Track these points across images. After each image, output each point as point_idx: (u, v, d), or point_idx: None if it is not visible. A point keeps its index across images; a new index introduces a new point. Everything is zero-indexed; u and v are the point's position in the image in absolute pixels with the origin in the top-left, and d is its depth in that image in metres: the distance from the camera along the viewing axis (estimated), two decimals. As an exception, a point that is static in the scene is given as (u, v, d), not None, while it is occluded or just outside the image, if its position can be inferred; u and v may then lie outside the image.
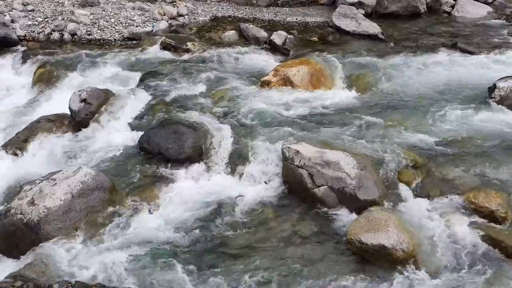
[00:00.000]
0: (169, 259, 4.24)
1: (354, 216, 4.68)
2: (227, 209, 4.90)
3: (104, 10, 10.06)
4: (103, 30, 9.30)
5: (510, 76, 6.80)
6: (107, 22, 9.59)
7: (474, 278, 4.08)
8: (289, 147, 5.21)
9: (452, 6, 11.25)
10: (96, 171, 4.98)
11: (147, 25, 9.63)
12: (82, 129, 6.15)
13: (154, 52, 8.48)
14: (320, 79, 7.28)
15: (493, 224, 4.60)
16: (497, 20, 10.74)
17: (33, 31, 9.10)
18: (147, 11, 10.22)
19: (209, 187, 5.22)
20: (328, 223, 4.71)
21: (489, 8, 11.28)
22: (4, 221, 4.53)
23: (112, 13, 9.94)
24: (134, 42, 9.07)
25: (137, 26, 9.54)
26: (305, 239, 4.57)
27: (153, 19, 9.88)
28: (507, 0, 11.74)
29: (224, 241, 4.52)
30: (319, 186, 4.89)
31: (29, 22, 9.31)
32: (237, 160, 5.46)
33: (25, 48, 8.71)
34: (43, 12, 9.69)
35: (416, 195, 4.97)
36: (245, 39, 9.27)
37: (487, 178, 5.06)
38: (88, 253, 4.25)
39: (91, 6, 10.17)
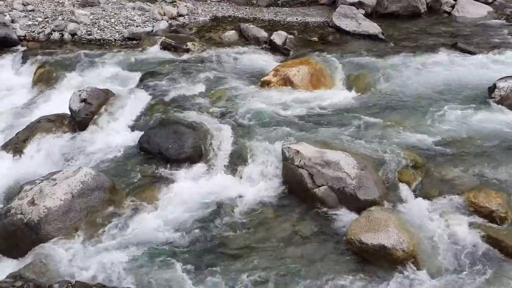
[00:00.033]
0: (169, 259, 4.24)
1: (354, 216, 4.68)
2: (227, 209, 4.90)
3: (104, 10, 10.06)
4: (103, 30, 9.30)
5: (510, 76, 6.80)
6: (107, 22, 9.59)
7: (474, 278, 4.09)
8: (289, 147, 5.21)
9: (452, 6, 11.25)
10: (96, 171, 4.99)
11: (147, 25, 9.63)
12: (82, 129, 6.16)
13: (154, 52, 8.48)
14: (320, 79, 7.28)
15: (493, 224, 4.60)
16: (497, 20, 10.74)
17: (33, 31, 9.10)
18: (147, 11, 10.22)
19: (209, 187, 5.22)
20: (328, 223, 4.71)
21: (489, 8, 11.28)
22: (4, 221, 4.53)
23: (112, 13, 9.95)
24: (134, 42, 9.08)
25: (137, 26, 9.54)
26: (305, 239, 4.57)
27: (153, 19, 9.89)
28: (507, 0, 11.74)
29: (224, 241, 4.52)
30: (319, 186, 4.89)
31: (29, 22, 9.31)
32: (237, 160, 5.47)
33: (25, 48, 8.71)
34: (43, 12, 9.70)
35: (416, 195, 4.96)
36: (245, 39, 9.27)
37: (487, 178, 5.06)
38: (88, 253, 4.25)
39: (91, 6, 10.17)
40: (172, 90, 6.93)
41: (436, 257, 4.28)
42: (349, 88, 7.27)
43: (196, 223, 4.71)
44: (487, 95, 6.71)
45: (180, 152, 5.51)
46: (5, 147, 5.91)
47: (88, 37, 9.09)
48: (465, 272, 4.16)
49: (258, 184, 5.23)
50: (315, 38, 9.48)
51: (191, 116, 6.17)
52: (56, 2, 10.22)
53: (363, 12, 10.52)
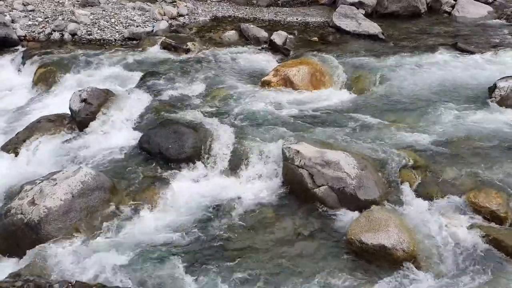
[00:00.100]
0: (169, 259, 4.24)
1: (354, 216, 4.68)
2: (227, 209, 4.90)
3: (104, 10, 10.07)
4: (104, 30, 9.31)
5: (510, 76, 6.80)
6: (107, 22, 9.59)
7: (474, 278, 4.08)
8: (289, 147, 5.21)
9: (453, 6, 11.25)
10: (96, 171, 4.99)
11: (147, 25, 9.64)
12: (82, 129, 6.16)
13: (154, 52, 8.48)
14: (320, 79, 7.28)
15: (493, 224, 4.60)
16: (497, 20, 10.74)
17: (34, 31, 9.11)
18: (147, 11, 10.22)
19: (209, 187, 5.22)
20: (328, 223, 4.71)
21: (490, 8, 11.28)
22: (5, 221, 4.53)
23: (112, 13, 9.95)
24: (134, 42, 9.08)
25: (137, 26, 9.55)
26: (305, 239, 4.57)
27: (153, 19, 9.89)
28: (507, 0, 11.74)
29: (224, 241, 4.52)
30: (320, 186, 4.89)
31: (30, 22, 9.32)
32: (237, 160, 5.46)
33: (26, 48, 8.72)
34: (43, 12, 9.70)
35: (417, 195, 4.96)
36: (245, 39, 9.28)
37: (488, 178, 5.05)
38: (88, 253, 4.24)
39: (91, 6, 10.18)
40: (172, 90, 6.94)
41: (436, 257, 4.28)
42: (349, 88, 7.28)
43: (196, 223, 4.71)
44: (488, 95, 6.71)
45: (180, 152, 5.51)
46: (5, 147, 5.91)
47: (88, 37, 9.09)
48: (465, 272, 4.15)
49: (258, 184, 5.24)
50: (315, 38, 9.48)
51: (191, 116, 6.17)
52: (56, 2, 10.23)
53: (363, 12, 10.52)
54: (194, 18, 10.32)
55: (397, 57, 8.15)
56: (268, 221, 4.77)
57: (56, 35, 9.02)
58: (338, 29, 9.86)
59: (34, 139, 5.92)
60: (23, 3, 9.85)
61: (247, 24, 9.66)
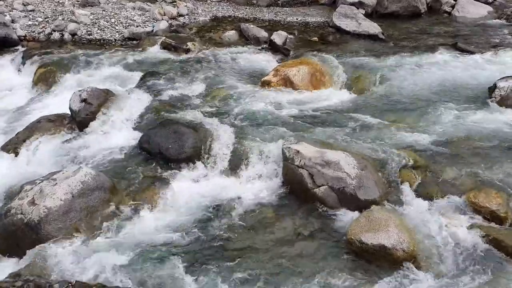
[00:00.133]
0: (170, 259, 4.24)
1: (354, 216, 4.68)
2: (227, 209, 4.90)
3: (104, 10, 10.07)
4: (104, 30, 9.31)
5: (510, 76, 6.80)
6: (107, 22, 9.59)
7: (474, 278, 4.08)
8: (289, 147, 5.21)
9: (453, 6, 11.25)
10: (96, 171, 4.99)
11: (147, 25, 9.64)
12: (82, 129, 6.16)
13: (154, 52, 8.48)
14: (320, 79, 7.28)
15: (493, 224, 4.60)
16: (497, 20, 10.74)
17: (34, 31, 9.11)
18: (147, 11, 10.22)
19: (209, 187, 5.22)
20: (328, 223, 4.71)
21: (490, 8, 11.28)
22: (5, 221, 4.53)
23: (112, 13, 9.95)
24: (134, 42, 9.08)
25: (137, 26, 9.55)
26: (305, 239, 4.57)
27: (153, 19, 9.89)
28: (507, 0, 11.74)
29: (224, 242, 4.52)
30: (320, 186, 4.89)
31: (30, 22, 9.32)
32: (238, 160, 5.46)
33: (26, 48, 8.72)
34: (43, 12, 9.70)
35: (417, 195, 4.96)
36: (245, 39, 9.28)
37: (488, 178, 5.05)
38: (88, 253, 4.24)
39: (91, 6, 10.18)
40: (172, 90, 6.94)
41: (436, 257, 4.28)
42: (349, 88, 7.28)
43: (196, 223, 4.71)
44: (488, 95, 6.71)
45: (180, 152, 5.51)
46: (5, 147, 5.91)
47: (88, 37, 9.09)
48: (465, 272, 4.15)
49: (258, 184, 5.24)
50: (315, 38, 9.48)
51: (191, 116, 6.17)
52: (56, 2, 10.23)
53: (363, 12, 10.52)
54: (194, 18, 10.32)
55: (397, 57, 8.15)
56: (268, 221, 4.77)
57: (56, 35, 9.02)
58: (338, 29, 9.86)
59: (34, 139, 5.92)
60: (23, 3, 9.85)
61: (247, 24, 9.66)
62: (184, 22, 10.09)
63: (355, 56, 8.22)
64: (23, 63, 8.24)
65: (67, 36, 9.03)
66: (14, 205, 4.58)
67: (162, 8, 10.26)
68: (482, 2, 11.44)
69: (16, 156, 5.76)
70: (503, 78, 6.77)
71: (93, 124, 6.16)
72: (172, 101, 6.65)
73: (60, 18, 9.46)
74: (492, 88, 6.69)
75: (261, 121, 6.10)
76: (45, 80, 7.67)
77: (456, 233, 4.48)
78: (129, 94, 6.74)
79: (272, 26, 9.90)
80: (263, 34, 9.19)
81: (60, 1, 10.27)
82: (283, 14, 10.78)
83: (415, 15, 10.91)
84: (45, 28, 9.17)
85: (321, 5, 11.61)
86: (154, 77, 7.28)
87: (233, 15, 10.65)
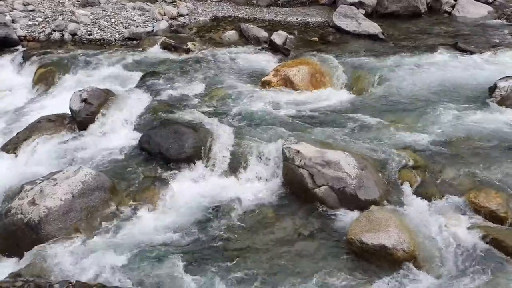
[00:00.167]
0: (169, 259, 4.24)
1: (354, 216, 4.68)
2: (227, 209, 4.89)
3: (104, 10, 10.07)
4: (104, 30, 9.31)
5: (510, 76, 6.79)
6: (107, 22, 9.59)
7: (474, 278, 4.08)
8: (289, 147, 5.21)
9: (453, 6, 11.25)
10: (96, 171, 4.99)
11: (148, 25, 9.64)
12: (82, 129, 6.16)
13: (154, 52, 8.48)
14: (321, 79, 7.28)
15: (493, 224, 4.60)
16: (497, 20, 10.74)
17: (34, 31, 9.11)
18: (147, 11, 10.22)
19: (210, 187, 5.22)
20: (328, 223, 4.71)
21: (490, 8, 11.28)
22: (5, 221, 4.54)
23: (112, 13, 9.95)
24: (134, 42, 9.08)
25: (137, 26, 9.54)
26: (306, 239, 4.57)
27: (153, 19, 9.89)
28: (507, 0, 11.74)
29: (224, 242, 4.52)
30: (320, 186, 4.89)
31: (30, 22, 9.32)
32: (238, 160, 5.46)
33: (26, 48, 8.72)
34: (43, 12, 9.70)
35: (417, 195, 4.96)
36: (245, 39, 9.28)
37: (488, 178, 5.05)
38: (88, 253, 4.24)
39: (92, 6, 10.17)
40: (173, 90, 6.94)
41: (436, 257, 4.28)
42: (349, 88, 7.27)
43: (196, 224, 4.71)
44: (488, 95, 6.71)
45: (181, 152, 5.51)
46: (6, 147, 5.91)
47: (88, 37, 9.09)
48: (465, 272, 4.15)
49: (258, 184, 5.24)
50: (316, 38, 9.48)
51: (191, 116, 6.17)
52: (56, 2, 10.23)
53: (363, 12, 10.52)
54: (194, 18, 10.32)
55: (397, 57, 8.15)
56: (268, 221, 4.77)
57: (56, 35, 9.02)
58: (338, 29, 9.86)
59: (34, 139, 5.91)
60: (23, 3, 9.85)
61: (247, 24, 9.66)
62: (184, 22, 10.09)
63: (355, 56, 8.22)
64: (23, 63, 8.24)
65: (67, 36, 9.03)
66: (14, 205, 4.58)
67: (162, 8, 10.26)
68: (482, 2, 11.44)
69: (16, 156, 5.76)
70: (503, 78, 6.77)
71: (93, 124, 6.16)
72: (172, 101, 6.65)
73: (60, 18, 9.46)
74: (492, 88, 6.69)
75: (261, 121, 6.10)
76: (45, 80, 7.67)
77: (456, 233, 4.48)
78: (129, 94, 6.74)
79: (272, 26, 9.90)
80: (263, 34, 9.19)
81: (60, 1, 10.27)
82: (283, 14, 10.78)
83: (415, 15, 10.90)
84: (45, 28, 9.17)
85: (321, 5, 11.61)
86: (154, 77, 7.28)
87: (233, 15, 10.65)
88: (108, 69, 7.82)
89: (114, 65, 7.92)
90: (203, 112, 6.29)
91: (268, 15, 10.72)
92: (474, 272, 4.14)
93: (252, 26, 9.52)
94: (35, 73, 7.86)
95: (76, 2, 10.26)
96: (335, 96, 7.00)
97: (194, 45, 8.71)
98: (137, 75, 7.50)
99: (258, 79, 7.39)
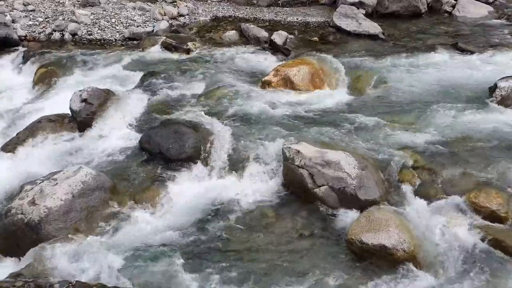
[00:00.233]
0: (170, 259, 4.24)
1: (354, 216, 4.67)
2: (227, 209, 4.89)
3: (104, 10, 10.07)
4: (104, 30, 9.31)
5: (511, 76, 6.79)
6: (107, 22, 9.59)
7: (474, 278, 4.08)
8: (289, 147, 5.21)
9: (453, 6, 11.24)
10: (96, 171, 4.99)
11: (148, 25, 9.64)
12: (83, 129, 6.15)
13: (154, 52, 8.47)
14: (321, 79, 7.28)
15: (493, 224, 4.60)
16: (498, 20, 10.72)
17: (34, 31, 9.11)
18: (147, 11, 10.22)
19: (210, 187, 5.22)
20: (328, 223, 4.71)
21: (490, 8, 11.26)
22: (5, 221, 4.54)
23: (112, 13, 9.95)
24: (134, 42, 9.07)
25: (137, 26, 9.54)
26: (306, 239, 4.57)
27: (153, 19, 9.89)
28: (508, 0, 11.73)
29: (224, 242, 4.52)
30: (320, 186, 4.89)
31: (30, 22, 9.31)
32: (238, 160, 5.46)
33: (26, 48, 8.70)
34: (43, 12, 9.70)
35: (417, 195, 4.96)
36: (245, 39, 9.27)
37: (488, 178, 5.05)
38: (88, 253, 4.24)
39: (92, 6, 10.17)
40: (173, 90, 6.93)
41: (436, 257, 4.28)
42: (350, 88, 7.27)
43: (196, 224, 4.71)
44: (488, 95, 6.71)
45: (181, 152, 5.51)
46: (6, 147, 5.91)
47: (88, 37, 9.09)
48: (465, 272, 4.15)
49: (258, 184, 5.24)
50: (316, 38, 9.47)
51: (192, 116, 6.17)
52: (56, 2, 10.23)
53: (364, 12, 10.50)
54: (195, 18, 10.32)
55: (397, 57, 8.14)
56: (268, 221, 4.77)
57: (56, 35, 9.02)
58: (339, 29, 9.85)
59: (35, 139, 5.91)
60: (23, 3, 9.85)
61: (248, 24, 9.65)
62: (184, 22, 10.08)
63: (355, 56, 8.22)
64: (24, 63, 8.24)
65: (67, 36, 9.02)
66: (15, 205, 4.58)
67: (162, 8, 10.25)
68: (482, 2, 11.41)
69: (16, 156, 5.75)
70: (503, 78, 6.76)
71: (93, 124, 6.15)
72: (172, 101, 6.65)
73: (60, 18, 9.46)
74: (493, 88, 6.69)
75: (261, 121, 6.10)
76: (45, 80, 7.67)
77: (457, 233, 4.48)
78: (129, 94, 6.74)
79: (272, 26, 9.89)
80: (263, 34, 9.18)
81: (60, 1, 10.26)
82: (283, 14, 10.78)
83: (415, 15, 10.89)
84: (46, 28, 9.17)
85: (322, 5, 11.59)
86: (154, 77, 7.27)
87: (233, 15, 10.65)
88: (108, 69, 7.82)
89: (115, 65, 7.91)
90: (203, 112, 6.29)
91: (268, 15, 10.71)
92: (474, 272, 4.14)
93: (252, 26, 9.51)
94: (36, 73, 7.86)
95: (77, 2, 10.26)
96: (335, 96, 6.99)
97: (195, 45, 8.71)
98: (137, 75, 7.50)
99: (258, 79, 7.39)
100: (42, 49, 8.57)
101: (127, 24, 9.58)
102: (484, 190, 4.82)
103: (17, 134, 6.09)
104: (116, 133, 6.08)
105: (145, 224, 4.69)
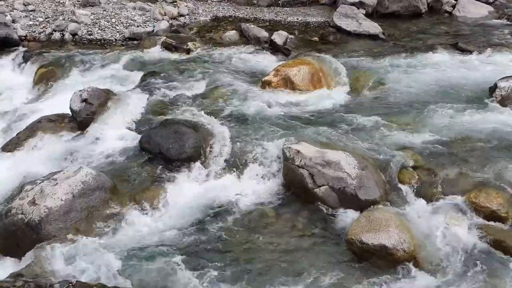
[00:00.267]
0: (170, 259, 4.24)
1: (355, 216, 4.68)
2: (227, 209, 4.90)
3: (105, 10, 10.06)
4: (104, 30, 9.30)
5: (511, 76, 6.80)
6: (108, 22, 9.59)
7: (474, 278, 4.08)
8: (289, 147, 5.21)
9: (453, 6, 11.23)
10: (97, 171, 4.99)
11: (148, 25, 9.63)
12: (83, 129, 6.15)
13: (155, 52, 8.47)
14: (321, 79, 7.27)
15: (494, 224, 4.60)
16: (498, 20, 10.72)
17: (34, 31, 9.10)
18: (148, 11, 10.22)
19: (210, 187, 5.22)
20: (328, 223, 4.71)
21: (490, 8, 11.26)
22: (5, 221, 4.54)
23: (113, 13, 9.95)
24: (135, 42, 9.07)
25: (138, 26, 9.54)
26: (306, 239, 4.57)
27: (154, 19, 9.89)
28: (508, 0, 11.72)
29: (224, 242, 4.52)
30: (320, 186, 4.89)
31: (30, 22, 9.31)
32: (238, 160, 5.46)
33: (26, 48, 8.70)
34: (44, 12, 9.70)
35: (417, 195, 4.96)
36: (246, 39, 9.27)
37: (488, 178, 5.05)
38: (89, 253, 4.25)
39: (92, 6, 10.17)
40: (173, 90, 6.93)
41: (436, 257, 4.28)
42: (350, 88, 7.27)
43: (196, 223, 4.71)
44: (488, 95, 6.71)
45: (181, 152, 5.51)
46: (6, 147, 5.91)
47: (89, 37, 9.09)
48: (465, 272, 4.15)
49: (258, 184, 5.24)
50: (316, 38, 9.47)
51: (192, 116, 6.17)
52: (57, 2, 10.23)
53: (364, 12, 10.50)
54: (195, 18, 10.31)
55: (397, 57, 8.15)
56: (268, 221, 4.77)
57: (56, 35, 9.02)
58: (339, 29, 9.84)
59: (35, 139, 5.91)
60: (23, 3, 9.85)
61: (248, 24, 9.65)
62: (184, 22, 10.08)
63: (355, 56, 8.22)
64: (24, 63, 8.24)
65: (67, 36, 9.02)
66: (15, 205, 4.58)
67: (162, 8, 10.25)
68: (483, 2, 11.41)
69: (16, 156, 5.75)
70: (503, 78, 6.77)
71: (93, 124, 6.15)
72: (172, 101, 6.65)
73: (60, 18, 9.46)
74: (493, 88, 6.69)
75: (262, 121, 6.10)
76: (45, 80, 7.67)
77: (457, 233, 4.48)
78: (130, 94, 6.74)
79: (272, 26, 9.89)
80: (263, 34, 9.18)
81: (60, 1, 10.26)
82: (283, 14, 10.78)
83: (415, 15, 10.88)
84: (46, 28, 9.17)
85: (322, 5, 11.59)
86: (154, 77, 7.27)
87: (233, 15, 10.64)
88: (109, 69, 7.82)
89: (115, 65, 7.91)
90: (203, 112, 6.29)
91: (268, 15, 10.71)
92: (474, 272, 4.14)
93: (252, 26, 9.51)
94: (36, 73, 7.87)
95: (77, 2, 10.26)
96: (335, 96, 6.99)
97: (195, 45, 8.71)
98: (137, 75, 7.50)
99: (258, 79, 7.39)
100: (42, 49, 8.57)
101: (127, 24, 9.58)
102: (484, 190, 4.83)
103: (17, 134, 6.09)
104: (116, 133, 6.08)
105: (145, 224, 4.69)
